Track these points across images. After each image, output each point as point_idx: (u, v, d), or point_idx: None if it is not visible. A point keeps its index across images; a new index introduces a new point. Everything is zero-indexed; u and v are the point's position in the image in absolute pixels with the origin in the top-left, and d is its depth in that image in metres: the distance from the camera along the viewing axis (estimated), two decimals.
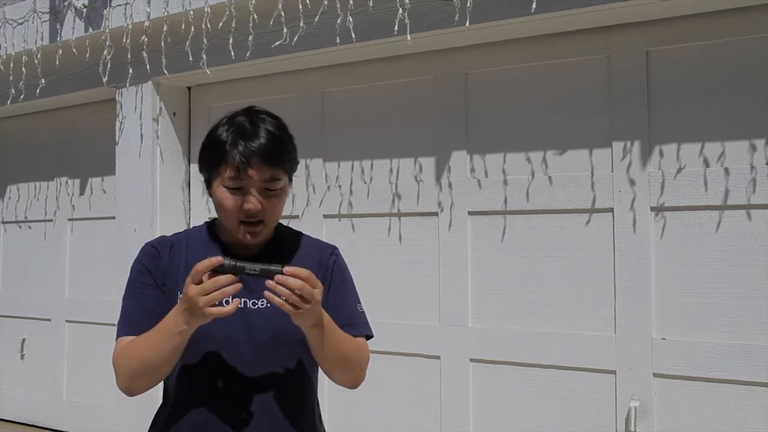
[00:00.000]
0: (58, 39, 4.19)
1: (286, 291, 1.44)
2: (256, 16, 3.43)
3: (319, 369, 1.73)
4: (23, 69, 4.34)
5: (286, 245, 1.76)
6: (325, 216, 3.69)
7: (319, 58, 3.56)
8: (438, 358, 3.33)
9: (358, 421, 3.53)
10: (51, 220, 4.97)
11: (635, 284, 2.90)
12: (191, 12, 3.61)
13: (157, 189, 4.01)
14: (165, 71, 3.85)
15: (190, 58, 3.71)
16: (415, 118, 3.45)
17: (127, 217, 4.08)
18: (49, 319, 4.91)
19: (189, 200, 4.16)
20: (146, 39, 3.84)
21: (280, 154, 1.62)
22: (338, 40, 3.24)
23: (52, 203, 4.97)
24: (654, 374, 2.85)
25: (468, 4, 2.92)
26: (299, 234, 1.82)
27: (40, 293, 5.00)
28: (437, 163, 3.38)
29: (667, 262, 2.86)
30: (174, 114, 4.12)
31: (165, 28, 3.77)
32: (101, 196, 4.66)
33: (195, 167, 3.31)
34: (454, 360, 3.28)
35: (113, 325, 1.71)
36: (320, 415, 1.80)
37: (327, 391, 3.38)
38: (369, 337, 1.78)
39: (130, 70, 3.97)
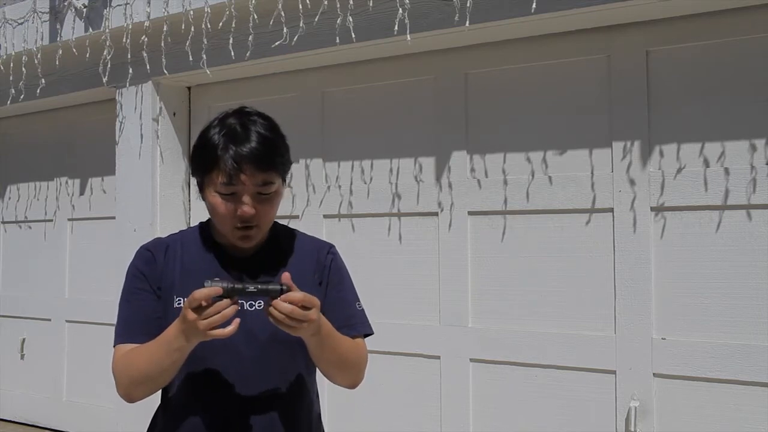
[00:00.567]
0: (58, 39, 4.19)
1: (281, 316, 1.46)
2: (256, 16, 3.43)
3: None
4: (23, 69, 4.34)
5: (282, 245, 1.75)
6: (325, 216, 3.68)
7: (319, 58, 3.56)
8: (438, 358, 3.33)
9: (358, 421, 3.53)
10: (51, 220, 4.97)
11: (635, 284, 2.90)
12: (191, 12, 3.61)
13: (157, 189, 4.01)
14: (165, 71, 3.85)
15: (190, 58, 3.71)
16: (415, 118, 3.45)
17: (127, 217, 4.08)
18: (49, 319, 4.91)
19: (189, 200, 4.15)
20: (146, 39, 3.84)
21: (272, 157, 1.60)
22: (338, 40, 3.24)
23: (52, 203, 4.97)
24: (654, 374, 2.85)
25: (468, 4, 2.92)
26: (295, 232, 1.81)
27: (40, 293, 5.00)
28: (437, 163, 3.38)
29: (667, 262, 2.86)
30: (174, 114, 4.12)
31: (165, 28, 3.77)
32: (101, 196, 4.66)
33: None
34: (454, 360, 3.28)
35: (113, 325, 1.70)
36: (320, 414, 1.80)
37: (327, 390, 3.37)
38: (369, 334, 1.78)
39: (130, 70, 3.97)
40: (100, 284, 4.54)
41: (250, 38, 3.44)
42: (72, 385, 4.80)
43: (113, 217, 4.23)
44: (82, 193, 4.80)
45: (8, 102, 4.57)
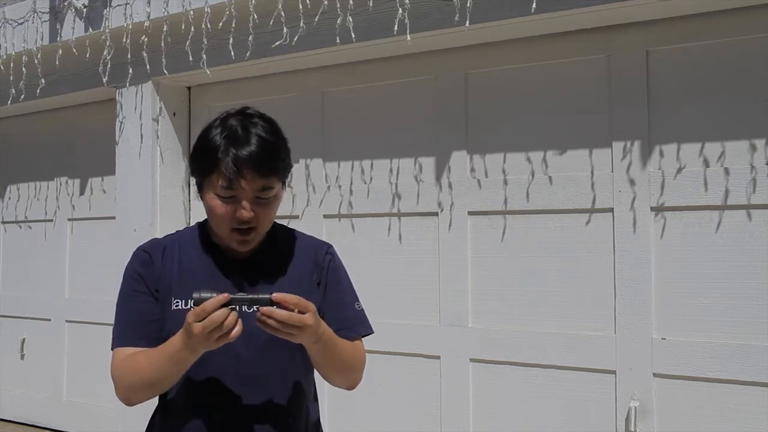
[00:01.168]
0: (58, 39, 4.19)
1: (274, 323, 1.44)
2: (256, 16, 3.43)
3: None
4: (23, 69, 4.34)
5: (279, 246, 1.73)
6: (325, 216, 3.68)
7: (319, 58, 3.56)
8: (438, 358, 3.33)
9: (358, 421, 3.53)
10: (51, 220, 4.97)
11: (635, 284, 2.90)
12: (191, 12, 3.61)
13: (157, 189, 4.01)
14: (165, 71, 3.85)
15: (190, 58, 3.71)
16: (415, 118, 3.45)
17: (127, 217, 4.08)
18: (49, 319, 4.91)
19: (189, 200, 4.15)
20: (146, 39, 3.84)
21: (272, 162, 1.58)
22: (338, 40, 3.24)
23: (52, 203, 4.97)
24: (654, 374, 2.85)
25: (468, 4, 2.92)
26: (294, 233, 1.79)
27: (40, 293, 5.00)
28: (437, 163, 3.38)
29: (667, 262, 2.86)
30: (174, 114, 4.12)
31: (165, 28, 3.77)
32: (101, 196, 4.66)
33: None
34: (454, 360, 3.28)
35: (113, 325, 1.70)
36: (318, 420, 1.79)
37: (327, 391, 3.37)
38: (369, 334, 1.77)
39: (130, 70, 3.97)
40: (100, 284, 4.54)
41: (250, 38, 3.44)
42: (72, 385, 4.80)
43: (113, 217, 4.23)
44: (82, 193, 4.80)
45: (8, 102, 4.57)
